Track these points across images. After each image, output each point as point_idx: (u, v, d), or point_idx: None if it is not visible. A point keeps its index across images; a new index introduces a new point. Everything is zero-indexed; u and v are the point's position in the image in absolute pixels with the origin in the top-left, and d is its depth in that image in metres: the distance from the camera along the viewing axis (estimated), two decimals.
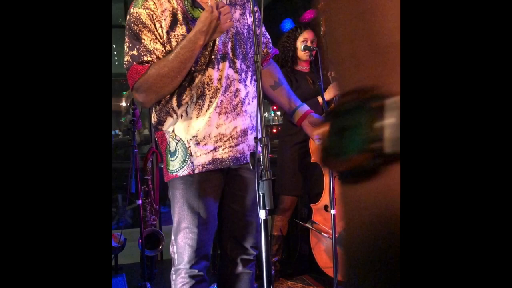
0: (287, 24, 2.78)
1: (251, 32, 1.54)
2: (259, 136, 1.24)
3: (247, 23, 1.54)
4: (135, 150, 2.48)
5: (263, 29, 1.64)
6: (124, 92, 8.60)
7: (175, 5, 1.42)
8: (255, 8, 1.47)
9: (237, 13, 1.51)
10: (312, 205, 2.54)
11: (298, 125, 1.65)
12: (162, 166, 3.26)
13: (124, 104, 8.28)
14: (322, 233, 2.44)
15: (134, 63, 1.39)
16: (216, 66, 1.43)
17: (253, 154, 1.21)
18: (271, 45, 1.69)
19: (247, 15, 1.55)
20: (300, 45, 2.67)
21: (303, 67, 2.73)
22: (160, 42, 1.40)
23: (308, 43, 2.66)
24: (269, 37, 1.69)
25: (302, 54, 2.68)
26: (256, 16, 1.41)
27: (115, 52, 6.24)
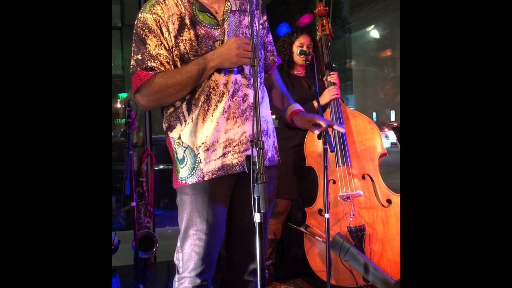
0: (283, 29, 2.80)
1: (260, 38, 1.57)
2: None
3: (255, 29, 1.54)
4: (130, 151, 2.48)
5: (270, 38, 1.67)
6: (121, 95, 8.56)
7: (183, 10, 1.43)
8: (264, 17, 1.58)
9: (245, 20, 1.52)
10: (306, 209, 2.54)
11: (290, 121, 1.64)
12: (156, 168, 3.25)
13: (119, 105, 8.25)
14: (316, 237, 2.44)
15: (139, 68, 1.41)
16: (223, 71, 1.44)
17: (248, 157, 1.21)
18: (276, 53, 1.72)
19: (256, 22, 1.55)
20: (296, 49, 2.68)
21: (298, 72, 2.75)
22: (165, 48, 1.41)
23: (304, 48, 2.68)
24: (274, 46, 1.72)
25: (298, 58, 2.69)
26: (266, 25, 1.52)
27: None
